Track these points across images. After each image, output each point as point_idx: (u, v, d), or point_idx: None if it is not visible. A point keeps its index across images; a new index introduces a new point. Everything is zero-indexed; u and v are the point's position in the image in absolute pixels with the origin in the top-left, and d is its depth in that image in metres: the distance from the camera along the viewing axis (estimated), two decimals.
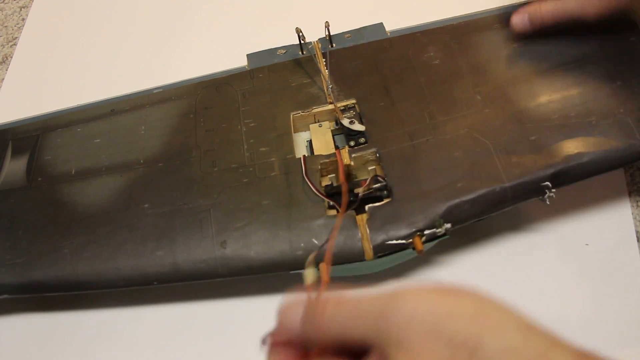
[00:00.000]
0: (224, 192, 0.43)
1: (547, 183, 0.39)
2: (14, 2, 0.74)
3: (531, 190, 0.39)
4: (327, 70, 0.48)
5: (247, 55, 0.52)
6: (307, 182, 0.41)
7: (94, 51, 0.66)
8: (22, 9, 0.73)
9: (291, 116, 0.46)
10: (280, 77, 0.50)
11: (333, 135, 0.45)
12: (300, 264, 0.39)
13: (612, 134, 0.40)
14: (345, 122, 0.44)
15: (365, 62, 0.49)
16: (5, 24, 0.71)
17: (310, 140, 0.46)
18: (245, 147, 0.45)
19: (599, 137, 0.40)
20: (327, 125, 0.46)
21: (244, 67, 0.52)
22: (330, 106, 0.46)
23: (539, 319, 0.40)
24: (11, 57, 0.67)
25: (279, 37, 0.52)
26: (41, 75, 0.64)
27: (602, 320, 0.40)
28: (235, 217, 0.41)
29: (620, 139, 0.40)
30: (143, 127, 0.49)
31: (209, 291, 0.44)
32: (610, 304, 0.40)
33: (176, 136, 0.48)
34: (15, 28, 0.70)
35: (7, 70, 0.65)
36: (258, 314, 0.43)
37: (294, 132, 0.46)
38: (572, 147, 0.40)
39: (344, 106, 0.46)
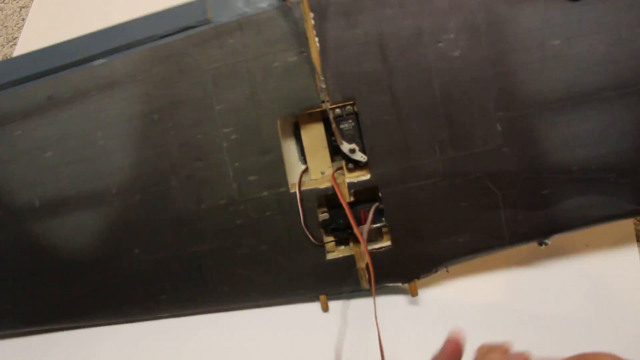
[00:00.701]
0: (217, 235, 0.40)
1: (547, 240, 0.39)
2: (14, 2, 0.74)
3: (529, 240, 0.40)
4: (317, 46, 0.37)
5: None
6: (305, 229, 0.40)
7: None
8: (22, 9, 0.73)
9: (278, 123, 0.39)
10: (257, 49, 0.38)
11: (326, 131, 0.40)
12: (301, 299, 0.41)
13: (625, 196, 0.38)
14: (345, 148, 0.39)
15: (366, 37, 0.37)
16: (5, 24, 0.71)
17: (301, 141, 0.41)
18: (232, 174, 0.39)
19: (611, 198, 0.38)
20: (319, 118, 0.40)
21: (204, 12, 0.38)
22: (324, 106, 0.39)
23: (539, 319, 0.40)
24: (11, 57, 0.67)
25: None
26: None
27: (601, 319, 0.40)
28: (233, 263, 0.41)
29: (630, 202, 0.38)
30: (100, 134, 0.40)
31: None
32: (610, 304, 0.40)
33: (145, 152, 0.39)
34: (15, 28, 0.70)
35: None
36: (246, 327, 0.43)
37: (281, 135, 0.39)
38: (581, 208, 0.39)
39: (340, 106, 0.39)
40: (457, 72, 0.38)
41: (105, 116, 0.40)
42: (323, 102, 0.38)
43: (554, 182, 0.38)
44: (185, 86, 0.39)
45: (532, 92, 0.38)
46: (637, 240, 0.43)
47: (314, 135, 0.40)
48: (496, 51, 0.37)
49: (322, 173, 0.40)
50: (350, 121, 0.39)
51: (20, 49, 0.67)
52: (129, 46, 0.39)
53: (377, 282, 0.39)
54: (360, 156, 0.38)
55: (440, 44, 0.37)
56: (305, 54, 0.37)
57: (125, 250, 0.41)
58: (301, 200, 0.39)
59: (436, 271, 0.40)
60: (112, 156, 0.40)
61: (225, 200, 0.39)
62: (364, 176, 0.39)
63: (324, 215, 0.40)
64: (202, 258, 0.40)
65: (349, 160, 0.39)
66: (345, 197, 0.39)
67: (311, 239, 0.39)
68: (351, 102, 0.39)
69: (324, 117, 0.40)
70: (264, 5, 0.38)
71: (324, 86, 0.37)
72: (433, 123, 0.38)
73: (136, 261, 0.41)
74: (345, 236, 0.41)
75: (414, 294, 0.40)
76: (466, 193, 0.38)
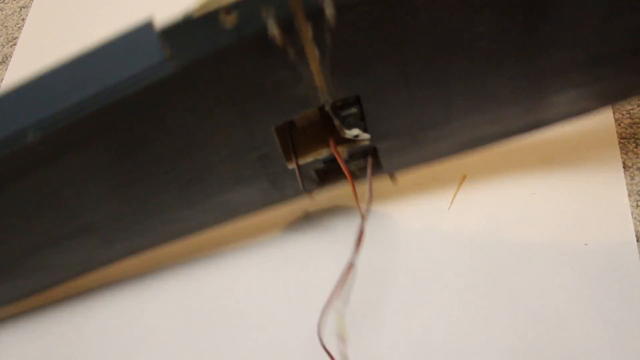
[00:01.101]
0: (216, 214, 0.42)
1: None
2: (14, 2, 0.74)
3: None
4: (318, 56, 0.29)
5: (162, 33, 0.27)
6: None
7: None
8: (22, 9, 0.73)
9: (273, 131, 0.35)
10: (242, 76, 0.30)
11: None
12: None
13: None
14: (349, 135, 0.36)
15: (382, 36, 0.29)
16: (5, 24, 0.71)
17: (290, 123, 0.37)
18: (229, 180, 0.37)
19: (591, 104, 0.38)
20: None
21: (158, 49, 0.27)
22: (323, 100, 0.34)
23: (537, 319, 0.40)
24: (11, 57, 0.67)
25: None
26: None
27: (600, 320, 0.40)
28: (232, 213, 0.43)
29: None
30: (66, 192, 0.34)
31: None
32: (609, 304, 0.40)
33: (126, 190, 0.35)
34: (15, 28, 0.71)
35: (6, 70, 0.65)
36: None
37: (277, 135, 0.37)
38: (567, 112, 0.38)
39: (342, 100, 0.34)
40: (481, 61, 0.32)
41: (65, 180, 0.33)
42: (323, 106, 0.34)
43: (554, 104, 0.37)
44: (156, 130, 0.31)
45: (552, 62, 0.33)
46: (637, 240, 0.43)
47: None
48: (529, 36, 0.31)
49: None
50: (352, 109, 0.34)
51: (20, 49, 0.68)
52: (65, 112, 0.29)
53: (357, 177, 0.40)
54: (363, 137, 0.36)
55: (466, 36, 0.31)
56: (302, 66, 0.30)
57: (139, 239, 0.42)
58: (300, 175, 0.38)
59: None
60: (87, 200, 0.35)
61: (224, 194, 0.39)
62: (363, 142, 0.37)
63: (318, 165, 0.39)
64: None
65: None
66: (342, 156, 0.38)
67: (309, 195, 0.42)
68: (355, 96, 0.34)
69: None
70: (241, 33, 0.27)
71: (327, 106, 0.33)
72: (444, 102, 0.34)
73: (151, 240, 0.42)
74: (335, 175, 0.41)
75: (393, 181, 0.43)
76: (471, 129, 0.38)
